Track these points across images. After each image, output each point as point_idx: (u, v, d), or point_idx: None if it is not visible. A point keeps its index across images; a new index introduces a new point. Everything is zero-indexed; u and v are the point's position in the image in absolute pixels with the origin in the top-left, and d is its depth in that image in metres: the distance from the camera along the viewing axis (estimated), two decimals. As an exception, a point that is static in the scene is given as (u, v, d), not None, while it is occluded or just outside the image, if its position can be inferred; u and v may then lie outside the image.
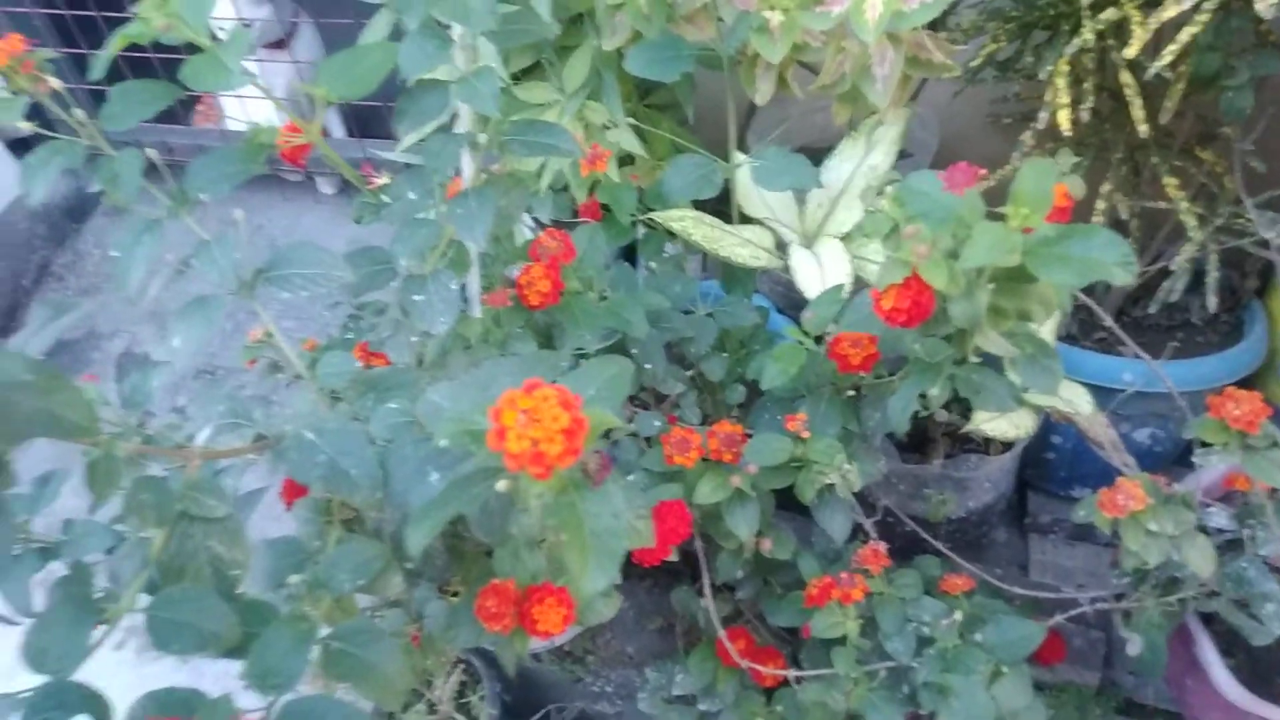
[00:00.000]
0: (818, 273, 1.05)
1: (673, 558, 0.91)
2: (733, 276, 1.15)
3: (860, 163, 1.12)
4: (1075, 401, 1.02)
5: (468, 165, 0.84)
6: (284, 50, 1.91)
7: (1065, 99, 0.97)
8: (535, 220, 1.32)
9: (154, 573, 0.60)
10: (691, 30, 1.04)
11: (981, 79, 1.16)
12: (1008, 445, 1.20)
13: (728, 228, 1.11)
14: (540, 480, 0.44)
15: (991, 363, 0.82)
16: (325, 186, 2.16)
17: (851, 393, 0.95)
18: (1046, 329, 1.04)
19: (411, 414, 0.67)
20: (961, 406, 1.21)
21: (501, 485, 0.49)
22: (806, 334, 0.92)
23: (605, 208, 1.11)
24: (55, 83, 0.69)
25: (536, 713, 1.35)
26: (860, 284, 1.05)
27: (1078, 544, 1.39)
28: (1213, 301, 1.15)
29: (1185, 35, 0.89)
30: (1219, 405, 0.77)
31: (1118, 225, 1.17)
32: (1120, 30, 0.99)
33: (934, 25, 1.00)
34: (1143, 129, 0.96)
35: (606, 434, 0.98)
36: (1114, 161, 1.12)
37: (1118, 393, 1.15)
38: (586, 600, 0.73)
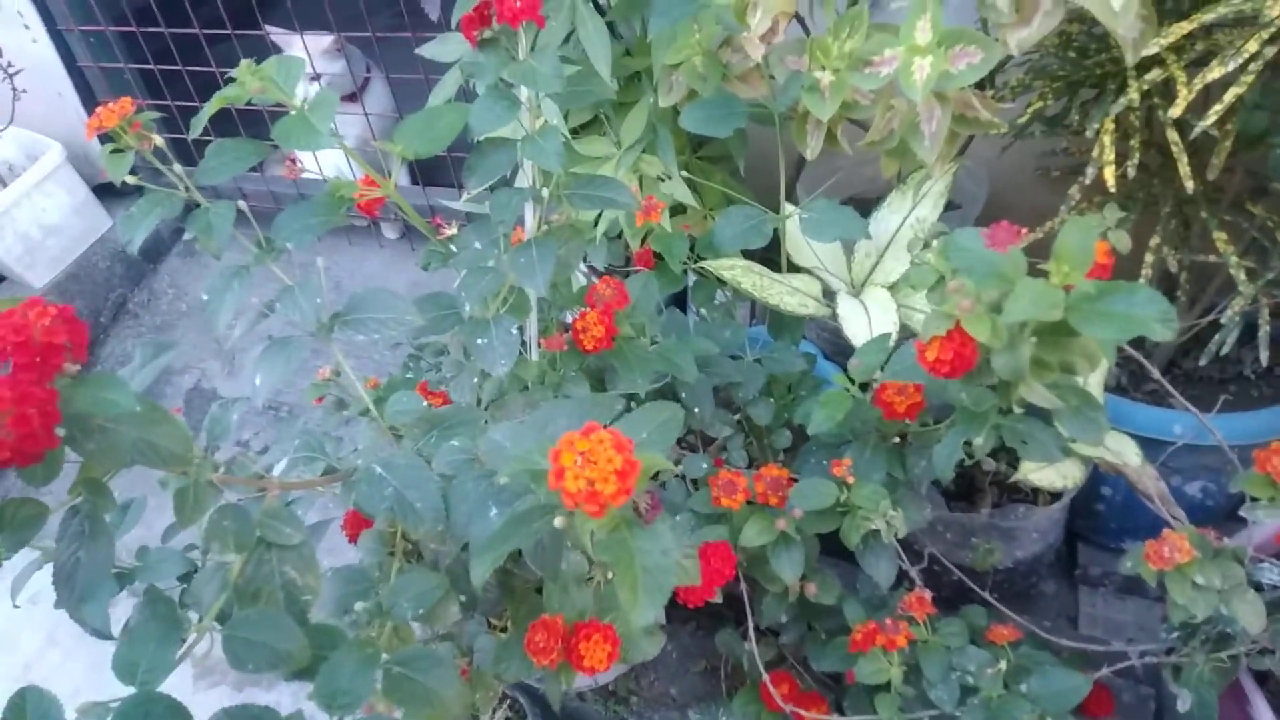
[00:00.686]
0: (865, 321, 1.08)
1: (717, 599, 0.93)
2: (780, 323, 1.18)
3: (908, 214, 1.15)
4: (1123, 453, 1.02)
5: (530, 217, 0.88)
6: (356, 103, 2.01)
7: (1110, 155, 0.99)
8: (590, 266, 1.37)
9: (230, 596, 0.64)
10: (744, 89, 1.08)
11: (1029, 133, 1.18)
12: (1056, 496, 1.20)
13: (776, 276, 1.14)
14: (594, 518, 0.48)
15: (1038, 413, 0.83)
16: (389, 232, 2.24)
17: (897, 440, 0.96)
18: (1093, 381, 1.05)
19: (472, 451, 0.71)
20: (1009, 456, 1.21)
21: (558, 522, 0.53)
22: (853, 381, 0.94)
23: (658, 256, 1.15)
24: (158, 139, 0.75)
25: (580, 751, 1.36)
26: (906, 332, 1.07)
27: (1128, 597, 1.37)
28: (1265, 355, 1.14)
29: (1231, 95, 0.90)
30: (1265, 459, 0.77)
31: (1167, 278, 1.18)
32: (1167, 88, 1.00)
33: (981, 84, 1.03)
34: (1189, 185, 0.98)
35: (654, 475, 1.01)
36: (1163, 216, 1.13)
37: (1168, 445, 1.14)
38: (635, 636, 0.75)
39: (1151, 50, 0.88)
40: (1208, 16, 0.86)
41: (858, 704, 1.00)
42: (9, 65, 2.10)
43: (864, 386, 0.94)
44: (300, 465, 0.72)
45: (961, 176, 1.24)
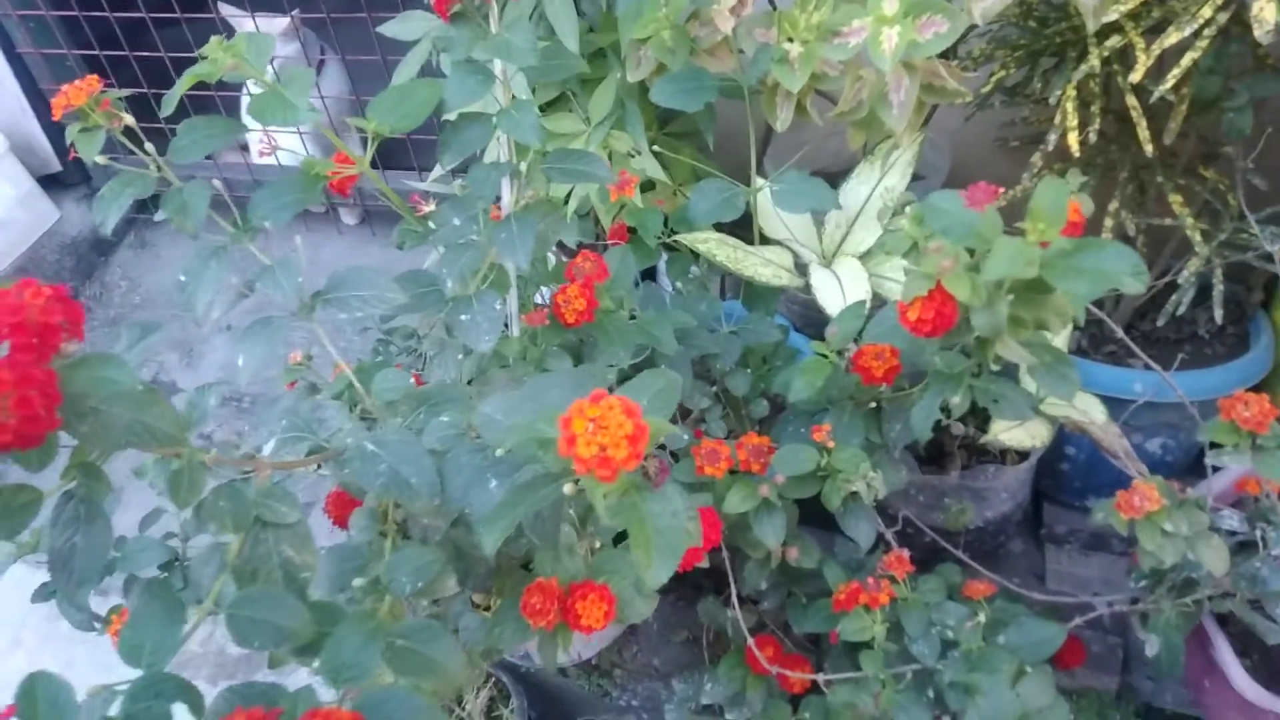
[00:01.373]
0: (838, 290, 1.10)
1: (704, 564, 0.94)
2: (755, 295, 1.19)
3: (876, 185, 1.16)
4: (1090, 410, 1.05)
5: (508, 193, 0.88)
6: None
7: (1074, 121, 1.02)
8: (560, 245, 1.37)
9: (228, 576, 0.63)
10: (713, 62, 1.08)
11: (990, 104, 1.20)
12: (1023, 456, 1.23)
13: (750, 248, 1.15)
14: (606, 483, 0.48)
15: (1009, 373, 0.86)
16: (348, 217, 2.21)
17: (873, 405, 0.98)
18: (1059, 341, 1.08)
19: (462, 426, 0.71)
20: (977, 420, 1.24)
21: (568, 488, 0.53)
22: (829, 349, 0.96)
23: (632, 231, 1.15)
24: (129, 119, 0.73)
25: (565, 727, 1.37)
26: (878, 300, 1.09)
27: (1093, 554, 1.42)
28: (1219, 314, 1.19)
29: (1187, 60, 0.93)
30: (1230, 407, 0.81)
31: (1125, 241, 1.21)
32: (1125, 56, 1.03)
33: (945, 54, 1.05)
34: (1148, 149, 1.01)
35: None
36: (1120, 180, 1.17)
37: (1129, 404, 1.18)
38: (629, 596, 0.76)
39: (1111, 17, 0.90)
40: (1164, -17, 0.89)
41: (838, 665, 1.02)
42: (-57, 53, 2.02)
43: (840, 354, 0.96)
44: (288, 445, 0.72)
45: (925, 148, 1.26)
